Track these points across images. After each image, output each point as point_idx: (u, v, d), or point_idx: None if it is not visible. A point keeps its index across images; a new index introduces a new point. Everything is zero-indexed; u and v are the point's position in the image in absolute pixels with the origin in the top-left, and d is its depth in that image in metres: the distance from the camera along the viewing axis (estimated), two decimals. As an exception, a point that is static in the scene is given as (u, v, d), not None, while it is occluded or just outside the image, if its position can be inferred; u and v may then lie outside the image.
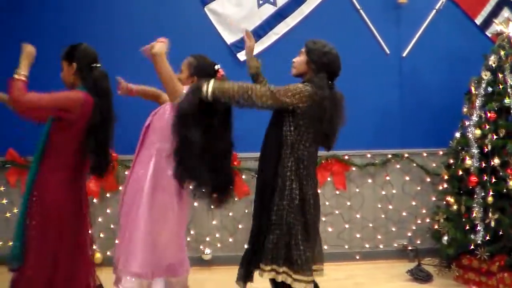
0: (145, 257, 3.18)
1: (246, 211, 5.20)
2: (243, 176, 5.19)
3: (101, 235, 5.07)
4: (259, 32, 5.28)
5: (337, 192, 5.32)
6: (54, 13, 5.21)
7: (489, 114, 4.62)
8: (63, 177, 3.00)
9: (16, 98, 2.80)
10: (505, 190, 4.40)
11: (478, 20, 5.57)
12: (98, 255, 5.01)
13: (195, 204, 5.13)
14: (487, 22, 5.53)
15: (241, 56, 5.23)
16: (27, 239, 2.90)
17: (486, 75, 4.76)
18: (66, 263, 2.96)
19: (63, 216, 2.96)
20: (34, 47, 3.00)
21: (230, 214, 5.22)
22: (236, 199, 5.18)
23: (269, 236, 3.00)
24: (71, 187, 3.03)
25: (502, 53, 4.73)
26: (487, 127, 4.61)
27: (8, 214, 5.14)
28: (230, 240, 5.24)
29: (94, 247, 5.05)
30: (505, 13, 5.53)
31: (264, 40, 5.29)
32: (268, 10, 5.33)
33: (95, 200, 5.11)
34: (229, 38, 5.28)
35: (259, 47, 5.27)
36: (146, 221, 3.20)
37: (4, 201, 5.15)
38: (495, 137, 4.56)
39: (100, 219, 5.12)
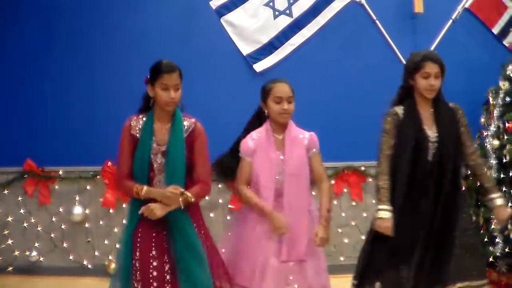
0: None
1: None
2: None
3: (117, 246, 5.07)
4: (275, 43, 5.29)
5: (354, 204, 5.28)
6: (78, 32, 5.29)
7: (507, 124, 4.58)
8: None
9: None
10: (524, 201, 4.36)
11: (496, 30, 5.53)
12: (114, 266, 5.02)
13: (211, 215, 5.13)
14: (505, 31, 5.49)
15: (257, 67, 5.25)
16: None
17: (504, 85, 4.73)
18: None
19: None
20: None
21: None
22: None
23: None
24: None
25: (519, 62, 4.71)
26: (505, 137, 4.57)
27: (25, 224, 5.18)
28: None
29: (110, 257, 5.08)
30: (523, 22, 5.51)
31: (280, 51, 5.29)
32: (284, 21, 5.33)
33: (111, 211, 5.13)
34: (245, 49, 5.29)
35: (275, 58, 5.29)
36: None
37: (22, 211, 5.19)
38: (514, 147, 4.52)
39: (116, 230, 5.13)
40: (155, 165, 2.86)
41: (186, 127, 2.94)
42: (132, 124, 2.93)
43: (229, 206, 5.17)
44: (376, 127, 5.27)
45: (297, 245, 3.06)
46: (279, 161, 3.14)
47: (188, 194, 2.78)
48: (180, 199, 2.75)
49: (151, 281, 2.74)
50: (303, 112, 5.18)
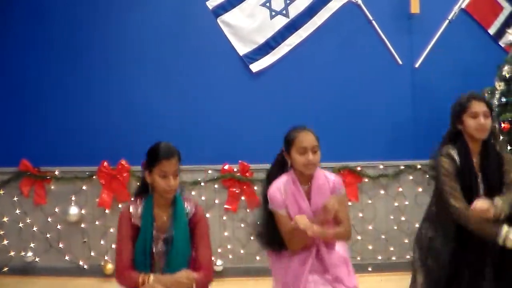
0: None
1: (258, 222, 5.18)
2: (255, 188, 5.18)
3: (113, 246, 5.07)
4: (272, 43, 5.28)
5: (350, 204, 5.27)
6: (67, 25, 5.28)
7: (503, 125, 4.58)
8: None
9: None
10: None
11: (492, 30, 5.53)
12: (109, 266, 5.02)
13: (207, 215, 5.13)
14: (501, 32, 5.49)
15: (254, 67, 5.25)
16: None
17: (500, 86, 4.73)
18: None
19: None
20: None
21: (242, 225, 5.20)
22: (248, 210, 5.18)
23: None
24: None
25: (515, 63, 4.71)
26: (501, 137, 4.58)
27: (21, 224, 5.17)
28: (242, 251, 5.22)
29: (106, 257, 5.08)
30: (519, 23, 5.52)
31: (276, 52, 5.29)
32: (281, 21, 5.33)
33: (107, 211, 5.13)
34: (242, 49, 5.28)
35: (272, 58, 5.28)
36: None
37: (17, 211, 5.18)
38: (509, 147, 4.52)
39: (112, 230, 5.13)
40: (155, 252, 2.77)
41: (187, 211, 2.82)
42: (132, 212, 2.77)
43: (225, 206, 5.18)
44: (372, 127, 5.33)
45: (345, 277, 3.01)
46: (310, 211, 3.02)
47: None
48: (194, 285, 2.66)
49: None
50: (299, 112, 5.23)
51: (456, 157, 3.02)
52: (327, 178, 3.07)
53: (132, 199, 2.88)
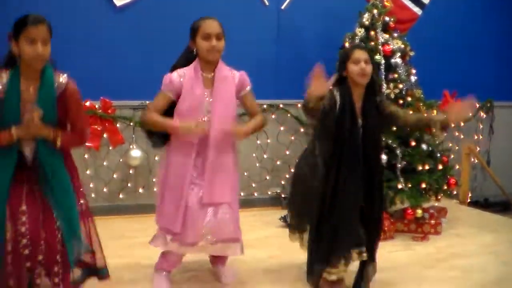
0: None
1: (121, 160, 5.10)
2: (118, 125, 5.07)
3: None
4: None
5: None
6: None
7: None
8: None
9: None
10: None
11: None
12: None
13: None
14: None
15: (117, 1, 5.02)
16: None
17: (360, 32, 4.96)
18: None
19: None
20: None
21: (105, 163, 5.10)
22: (110, 148, 5.07)
23: None
24: None
25: (375, 11, 4.94)
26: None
27: None
28: (105, 190, 5.14)
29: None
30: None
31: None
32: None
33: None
34: (105, -19, 5.02)
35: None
36: None
37: None
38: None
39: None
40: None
41: (57, 85, 2.61)
42: None
43: (87, 144, 4.99)
44: (236, 66, 5.29)
45: (219, 188, 3.09)
46: (205, 99, 3.08)
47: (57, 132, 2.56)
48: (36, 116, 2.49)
49: (20, 238, 2.52)
50: (164, 48, 5.10)
51: (338, 98, 3.21)
52: (231, 71, 3.24)
53: None
